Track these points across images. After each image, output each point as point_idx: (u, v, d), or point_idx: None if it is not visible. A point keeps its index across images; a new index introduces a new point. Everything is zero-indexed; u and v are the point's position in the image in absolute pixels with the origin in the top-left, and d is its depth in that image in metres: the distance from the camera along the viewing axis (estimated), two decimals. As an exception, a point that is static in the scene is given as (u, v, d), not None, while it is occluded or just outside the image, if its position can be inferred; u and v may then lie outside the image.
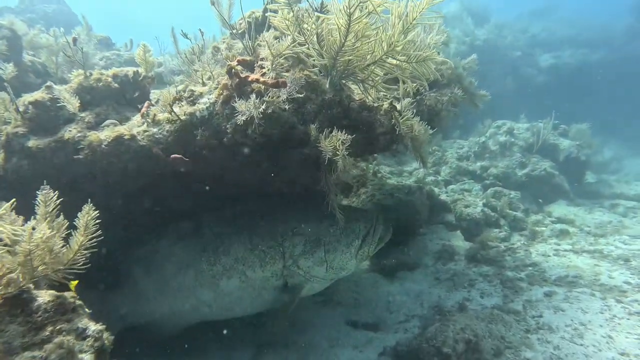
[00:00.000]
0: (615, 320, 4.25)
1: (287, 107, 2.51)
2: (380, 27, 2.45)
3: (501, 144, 9.06)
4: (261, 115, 2.42)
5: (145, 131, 2.70)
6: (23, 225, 2.04)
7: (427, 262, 6.11)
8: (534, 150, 8.90)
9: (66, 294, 2.10)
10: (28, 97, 2.76)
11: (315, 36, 2.54)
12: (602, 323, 4.24)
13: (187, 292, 3.79)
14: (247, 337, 4.51)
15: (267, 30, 2.77)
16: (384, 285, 5.59)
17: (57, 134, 2.72)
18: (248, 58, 2.73)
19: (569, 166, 8.92)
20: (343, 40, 2.44)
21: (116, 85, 3.01)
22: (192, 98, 2.73)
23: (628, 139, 14.66)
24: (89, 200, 2.17)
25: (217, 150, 2.70)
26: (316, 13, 2.68)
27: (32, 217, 2.15)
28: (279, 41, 2.51)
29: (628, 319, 4.26)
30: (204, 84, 2.88)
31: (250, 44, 2.82)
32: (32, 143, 2.71)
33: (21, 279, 1.93)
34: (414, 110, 3.54)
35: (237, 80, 2.54)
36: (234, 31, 3.01)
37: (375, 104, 2.95)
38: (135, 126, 2.75)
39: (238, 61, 2.64)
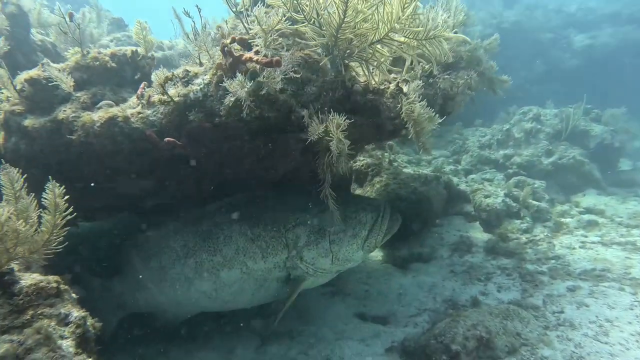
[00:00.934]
0: (647, 318, 3.95)
1: (279, 87, 2.35)
2: (383, 1, 2.24)
3: (526, 131, 8.63)
4: (252, 97, 2.28)
5: (139, 113, 2.61)
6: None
7: (442, 254, 5.89)
8: (562, 137, 8.43)
9: (51, 277, 2.04)
10: (24, 75, 2.71)
11: (315, 12, 2.36)
12: (631, 320, 3.95)
13: (187, 282, 3.73)
14: (252, 328, 4.44)
15: (264, 6, 2.60)
16: (397, 277, 5.42)
17: (52, 113, 2.66)
18: (246, 37, 2.58)
19: (600, 153, 8.40)
20: (342, 16, 2.25)
21: (114, 64, 2.92)
22: (186, 79, 2.61)
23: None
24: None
25: (211, 134, 2.58)
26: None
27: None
28: (268, 16, 2.34)
29: (661, 317, 3.96)
30: (201, 64, 2.75)
31: (249, 22, 2.66)
32: (28, 122, 2.66)
33: (-3, 260, 1.87)
34: (423, 93, 3.33)
35: (231, 59, 2.40)
36: (234, 9, 2.85)
37: (382, 87, 2.75)
38: (130, 107, 2.66)
39: (233, 39, 2.49)
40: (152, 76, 2.75)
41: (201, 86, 2.53)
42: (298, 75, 2.40)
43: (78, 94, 2.75)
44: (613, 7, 16.72)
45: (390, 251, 6.00)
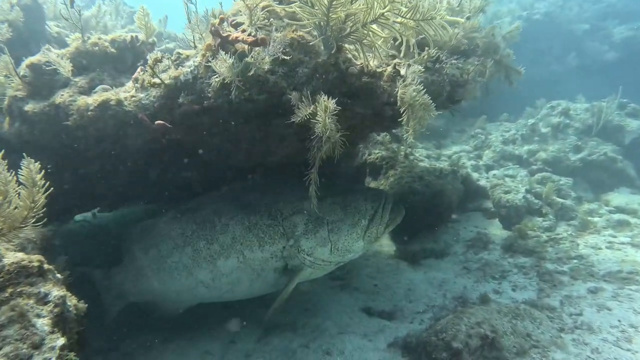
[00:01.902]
0: (676, 325, 3.66)
1: (268, 68, 2.28)
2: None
3: (554, 126, 8.21)
4: (239, 78, 2.22)
5: (132, 96, 2.61)
6: None
7: (456, 250, 5.69)
8: (593, 132, 7.97)
9: (33, 257, 2.06)
10: (27, 61, 2.76)
11: (306, -12, 2.28)
12: (658, 327, 3.67)
13: (185, 271, 3.72)
14: (255, 319, 4.42)
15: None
16: (407, 273, 5.27)
17: (51, 98, 2.70)
18: (239, 18, 2.52)
19: (636, 150, 7.89)
20: (332, -8, 2.16)
21: (113, 50, 2.94)
22: (178, 61, 2.58)
23: None
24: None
25: (202, 117, 2.55)
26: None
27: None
28: None
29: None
30: (195, 48, 2.72)
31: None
32: (28, 107, 2.71)
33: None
34: (429, 80, 3.18)
35: (219, 39, 2.35)
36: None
37: (379, 69, 2.63)
38: (124, 91, 2.66)
39: (221, 19, 2.44)
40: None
41: (191, 68, 2.50)
42: (287, 57, 2.33)
43: (76, 79, 2.79)
44: (662, -6, 15.63)
45: (402, 246, 5.85)
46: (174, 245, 3.77)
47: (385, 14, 2.39)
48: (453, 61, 3.24)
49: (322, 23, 2.38)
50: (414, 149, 8.01)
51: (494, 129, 9.35)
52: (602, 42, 14.86)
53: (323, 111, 2.25)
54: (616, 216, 6.32)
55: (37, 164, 1.99)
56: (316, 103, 2.28)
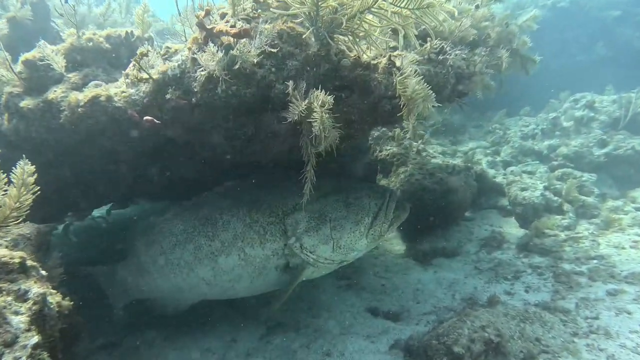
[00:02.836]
0: None
1: (255, 61, 2.20)
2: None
3: (577, 119, 7.84)
4: (226, 72, 2.15)
5: (123, 92, 2.58)
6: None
7: (469, 250, 5.50)
8: (620, 126, 7.56)
9: (15, 253, 2.05)
10: (22, 57, 2.78)
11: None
12: (685, 334, 3.43)
13: (187, 268, 3.71)
14: (259, 317, 4.38)
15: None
16: (416, 272, 5.13)
17: (44, 94, 2.71)
18: (225, 10, 2.45)
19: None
20: (319, -21, 2.05)
21: (108, 45, 2.92)
22: (166, 55, 2.54)
23: None
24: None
25: (191, 112, 2.49)
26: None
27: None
28: None
29: None
30: (186, 41, 2.67)
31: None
32: (24, 103, 2.73)
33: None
34: (432, 72, 3.04)
35: (204, 32, 2.29)
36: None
37: (374, 61, 2.51)
38: (115, 87, 2.64)
39: (207, 11, 2.37)
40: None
41: (179, 62, 2.45)
42: (274, 50, 2.24)
43: (70, 75, 2.78)
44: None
45: (412, 245, 5.70)
46: (176, 242, 3.76)
47: (379, 3, 2.27)
48: (457, 52, 3.08)
49: (312, 13, 2.28)
50: (427, 145, 7.81)
51: (512, 124, 9.01)
52: (635, 29, 14.04)
53: (319, 106, 2.15)
54: (643, 214, 5.98)
55: (32, 166, 1.97)
56: (312, 97, 2.19)
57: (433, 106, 2.42)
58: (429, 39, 3.10)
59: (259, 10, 2.39)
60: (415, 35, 3.19)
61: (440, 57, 3.13)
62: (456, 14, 2.80)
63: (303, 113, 2.19)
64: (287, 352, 3.82)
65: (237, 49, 2.22)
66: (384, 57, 2.48)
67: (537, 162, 7.72)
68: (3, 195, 2.11)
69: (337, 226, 3.50)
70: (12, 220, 2.02)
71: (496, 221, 6.31)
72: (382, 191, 3.77)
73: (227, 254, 3.61)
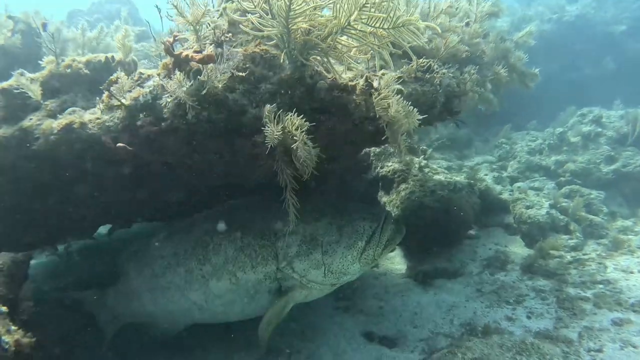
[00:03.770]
0: None
1: (221, 86, 2.14)
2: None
3: (584, 135, 7.62)
4: (193, 97, 2.09)
5: (97, 118, 2.54)
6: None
7: (471, 270, 5.30)
8: (629, 141, 7.33)
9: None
10: (0, 85, 2.78)
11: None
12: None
13: (178, 292, 3.64)
14: (251, 343, 4.24)
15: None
16: (415, 294, 4.94)
17: (19, 122, 2.69)
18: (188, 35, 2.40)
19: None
20: (288, 2, 1.99)
21: (87, 71, 2.91)
22: (139, 81, 2.50)
23: None
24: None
25: (166, 139, 2.44)
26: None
27: None
28: (193, 4, 2.14)
29: None
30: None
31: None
32: (0, 132, 2.70)
33: None
34: (419, 91, 2.95)
35: (173, 58, 2.24)
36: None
37: (352, 82, 2.43)
38: (91, 114, 2.60)
39: (175, 37, 2.33)
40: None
41: (150, 88, 2.41)
42: (242, 74, 2.18)
43: (47, 102, 2.76)
44: None
45: (414, 264, 5.53)
46: (167, 265, 3.70)
47: (352, 24, 2.20)
48: (444, 70, 2.99)
49: (283, 35, 2.22)
50: (431, 160, 7.66)
51: (519, 138, 8.82)
52: (643, 42, 13.80)
53: (296, 129, 2.07)
54: (655, 234, 5.71)
55: None
56: (286, 121, 2.12)
57: (418, 120, 2.32)
58: (414, 57, 3.02)
59: (230, 34, 2.34)
60: (403, 54, 3.11)
61: (428, 76, 3.04)
62: (439, 31, 2.70)
63: (278, 138, 2.11)
64: (276, 380, 3.68)
65: (205, 75, 2.17)
66: (362, 77, 2.40)
67: (545, 178, 7.50)
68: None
69: (329, 251, 3.41)
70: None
71: (501, 240, 6.10)
72: (377, 214, 3.67)
73: (219, 277, 3.54)
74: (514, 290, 4.66)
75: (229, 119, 2.30)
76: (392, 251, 5.50)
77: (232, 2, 2.35)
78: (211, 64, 2.18)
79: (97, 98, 2.70)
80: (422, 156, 7.14)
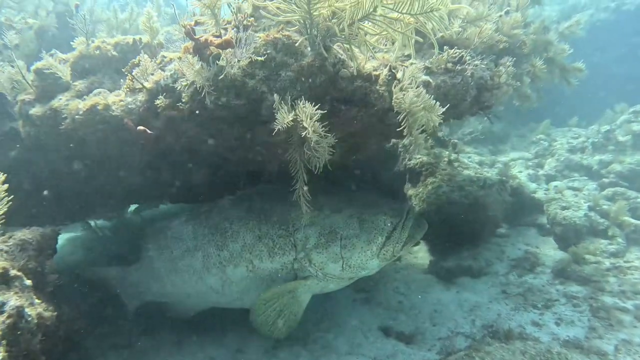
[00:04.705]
0: None
1: (239, 72, 2.09)
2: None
3: (635, 133, 7.10)
4: (209, 82, 2.06)
5: (121, 100, 2.57)
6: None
7: (497, 270, 5.10)
8: (685, 142, 6.78)
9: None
10: (33, 66, 2.86)
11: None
12: None
13: (195, 275, 3.70)
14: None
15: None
16: (437, 291, 4.82)
17: (51, 102, 2.77)
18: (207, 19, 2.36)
19: None
20: (310, -15, 1.90)
21: (115, 53, 2.95)
22: (162, 64, 2.50)
23: None
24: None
25: (187, 123, 2.44)
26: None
27: None
28: None
29: None
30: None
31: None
32: (33, 110, 2.81)
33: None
34: (448, 83, 2.80)
35: (193, 43, 2.21)
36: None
37: (376, 72, 2.32)
38: (115, 95, 2.64)
39: (197, 21, 2.30)
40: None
41: (172, 72, 2.40)
42: (261, 59, 2.12)
43: (76, 83, 2.82)
44: None
45: (437, 260, 5.38)
46: (186, 249, 3.76)
47: (378, 9, 2.09)
48: (477, 62, 2.81)
49: (305, 21, 2.14)
50: (461, 155, 7.38)
51: (560, 135, 8.34)
52: None
53: (308, 118, 2.01)
54: None
55: (3, 175, 1.99)
56: (298, 109, 2.06)
57: (440, 116, 2.19)
58: (445, 47, 2.86)
59: (252, 18, 2.29)
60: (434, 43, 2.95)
61: (459, 67, 2.87)
62: (472, 13, 2.53)
63: (289, 125, 2.05)
64: (289, 369, 3.69)
65: (223, 59, 2.13)
66: (386, 67, 2.29)
67: (586, 178, 7.07)
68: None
69: (348, 245, 3.35)
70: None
71: (533, 240, 5.82)
72: (399, 209, 3.56)
73: (236, 264, 3.56)
74: (542, 294, 4.45)
75: (248, 105, 2.27)
76: (416, 245, 5.38)
77: (256, -16, 2.29)
78: (229, 49, 2.14)
79: (122, 80, 2.72)
80: (452, 150, 6.88)
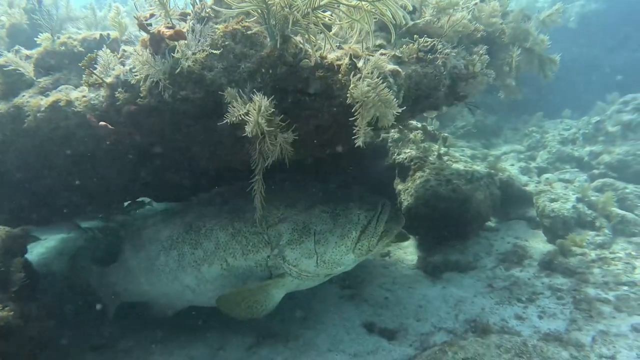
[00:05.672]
0: None
1: (190, 64, 2.04)
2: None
3: (624, 124, 7.03)
4: (165, 76, 2.02)
5: (84, 96, 2.53)
6: None
7: (485, 264, 5.05)
8: (676, 132, 6.72)
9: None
10: (-2, 62, 2.82)
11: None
12: None
13: (171, 275, 3.66)
14: (251, 326, 4.23)
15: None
16: (423, 287, 4.77)
17: (13, 99, 2.72)
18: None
19: None
20: (262, -28, 1.86)
21: (82, 49, 2.91)
22: (122, 58, 2.46)
23: None
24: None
25: (150, 118, 2.39)
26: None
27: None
28: None
29: None
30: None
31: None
32: (-3, 108, 2.75)
33: None
34: (420, 73, 2.75)
35: (149, 36, 2.17)
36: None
37: (338, 62, 2.28)
38: (78, 91, 2.59)
39: (151, 14, 2.25)
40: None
41: (130, 66, 2.35)
42: (217, 51, 2.07)
43: (40, 80, 2.78)
44: None
45: (424, 256, 5.34)
46: (161, 248, 3.72)
47: (335, -4, 2.04)
48: (447, 51, 2.76)
49: (263, 11, 2.09)
50: (453, 148, 7.32)
51: (551, 127, 8.28)
52: None
53: (257, 110, 1.97)
54: (696, 234, 5.22)
55: None
56: (251, 102, 2.01)
57: (397, 113, 2.15)
58: (415, 36, 2.82)
59: (209, 10, 2.24)
60: (406, 32, 2.92)
61: (430, 56, 2.82)
62: (444, 3, 2.48)
63: (242, 117, 2.01)
64: (268, 366, 3.66)
65: (178, 51, 2.09)
66: (347, 56, 2.24)
67: (577, 169, 7.02)
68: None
69: (322, 240, 3.31)
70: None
71: (522, 234, 5.77)
72: (374, 202, 3.51)
73: (210, 263, 3.52)
74: (528, 288, 4.40)
75: (208, 98, 2.22)
76: (405, 240, 5.35)
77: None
78: (183, 41, 2.10)
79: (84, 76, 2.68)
80: (443, 143, 6.83)
